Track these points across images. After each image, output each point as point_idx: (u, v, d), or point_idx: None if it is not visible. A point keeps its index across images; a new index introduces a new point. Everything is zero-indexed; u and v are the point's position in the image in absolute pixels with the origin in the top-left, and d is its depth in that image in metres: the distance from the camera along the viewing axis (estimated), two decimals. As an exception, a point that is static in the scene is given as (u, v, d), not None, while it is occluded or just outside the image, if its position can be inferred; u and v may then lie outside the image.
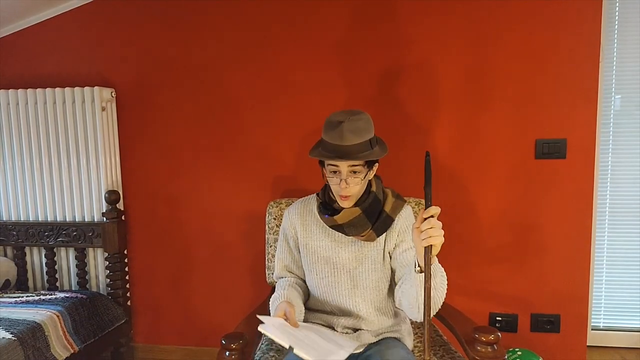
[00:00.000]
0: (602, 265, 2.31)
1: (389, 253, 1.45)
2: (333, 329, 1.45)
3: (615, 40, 2.17)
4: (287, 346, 1.13)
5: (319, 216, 1.47)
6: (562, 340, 2.14)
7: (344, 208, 1.38)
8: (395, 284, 1.43)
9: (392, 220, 1.43)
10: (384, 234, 1.44)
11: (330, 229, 1.45)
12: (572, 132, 2.03)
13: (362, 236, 1.41)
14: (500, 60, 2.03)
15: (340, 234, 1.44)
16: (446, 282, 1.25)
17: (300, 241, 1.50)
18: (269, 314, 1.42)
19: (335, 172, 1.34)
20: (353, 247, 1.45)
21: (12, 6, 2.15)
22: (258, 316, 1.27)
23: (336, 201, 1.40)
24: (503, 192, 2.10)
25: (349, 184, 1.32)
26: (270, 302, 1.45)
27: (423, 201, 1.84)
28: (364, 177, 1.35)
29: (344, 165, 1.32)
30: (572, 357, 2.14)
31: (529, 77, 2.03)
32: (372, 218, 1.40)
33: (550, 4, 1.98)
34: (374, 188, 1.42)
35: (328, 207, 1.43)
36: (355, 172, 1.33)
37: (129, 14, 2.25)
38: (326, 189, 1.46)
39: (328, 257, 1.46)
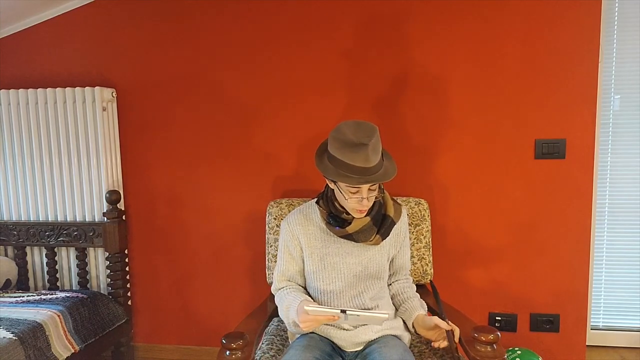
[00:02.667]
0: (602, 265, 2.31)
1: (393, 256, 1.56)
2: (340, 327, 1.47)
3: (615, 40, 2.17)
4: (339, 311, 1.23)
5: (325, 226, 1.48)
6: (561, 339, 2.14)
7: (353, 219, 1.41)
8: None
9: (395, 223, 1.49)
10: (391, 239, 1.51)
11: (336, 236, 1.48)
12: (572, 132, 2.03)
13: (371, 241, 1.44)
14: (500, 60, 2.04)
15: (346, 240, 1.47)
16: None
17: (305, 251, 1.51)
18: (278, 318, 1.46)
19: (354, 192, 1.34)
20: (359, 252, 1.48)
21: (12, 6, 2.15)
22: (306, 307, 1.27)
23: (344, 212, 1.42)
24: (503, 192, 2.10)
25: (369, 200, 1.36)
26: (284, 308, 1.44)
27: (422, 200, 1.86)
28: (377, 188, 1.39)
29: (365, 186, 1.33)
30: (572, 356, 2.15)
31: (529, 77, 2.03)
32: (378, 223, 1.45)
33: (550, 4, 1.98)
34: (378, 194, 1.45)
35: (338, 219, 1.44)
36: (372, 189, 1.36)
37: (129, 14, 2.25)
38: (329, 199, 1.46)
39: (335, 263, 1.48)
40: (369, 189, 1.34)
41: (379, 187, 1.43)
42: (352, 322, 1.35)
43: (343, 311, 1.22)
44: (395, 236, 1.52)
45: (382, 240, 1.46)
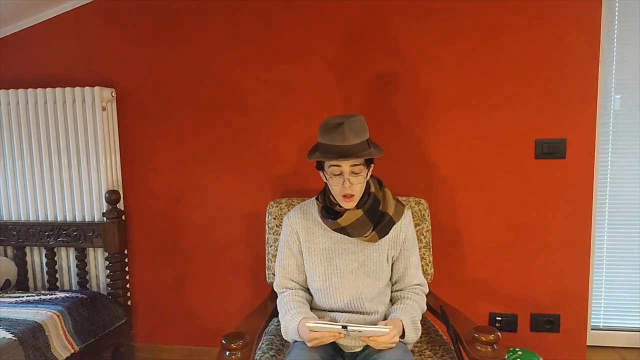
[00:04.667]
0: (602, 265, 2.31)
1: (393, 257, 1.52)
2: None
3: (615, 40, 2.17)
4: (340, 327, 1.27)
5: (321, 220, 1.48)
6: (562, 340, 2.14)
7: (346, 211, 1.41)
8: (391, 282, 1.55)
9: (394, 223, 1.47)
10: (389, 238, 1.49)
11: (333, 232, 1.48)
12: (572, 132, 2.03)
13: (365, 237, 1.44)
14: (500, 60, 2.04)
15: (343, 236, 1.47)
16: (419, 325, 1.45)
17: (303, 245, 1.52)
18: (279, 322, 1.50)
19: (337, 173, 1.36)
20: (356, 249, 1.48)
21: (12, 6, 2.15)
22: (307, 324, 1.31)
23: (338, 204, 1.43)
24: (503, 192, 2.10)
25: (352, 183, 1.36)
26: (283, 324, 1.45)
27: (422, 200, 1.86)
28: (365, 177, 1.40)
29: (346, 165, 1.35)
30: (572, 357, 2.14)
31: (529, 77, 2.03)
32: (374, 219, 1.44)
33: (550, 4, 1.98)
34: (372, 189, 1.46)
35: (330, 211, 1.45)
36: (356, 173, 1.36)
37: (129, 14, 2.25)
38: (326, 193, 1.48)
39: (331, 259, 1.49)
40: (352, 172, 1.36)
41: (373, 186, 1.44)
42: (354, 337, 1.37)
43: (344, 327, 1.25)
44: (394, 236, 1.50)
45: (379, 238, 1.45)
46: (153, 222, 2.35)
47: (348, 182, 1.35)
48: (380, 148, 1.43)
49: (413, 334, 1.42)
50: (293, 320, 1.41)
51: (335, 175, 1.37)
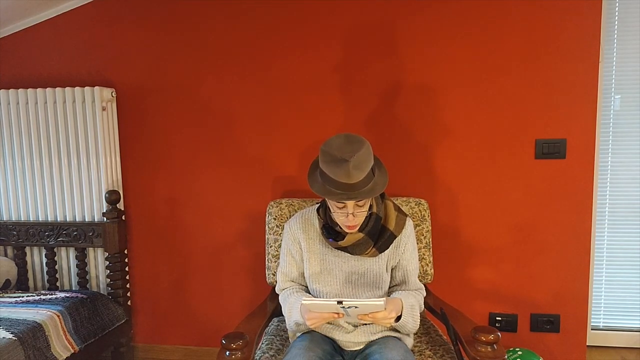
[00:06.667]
0: (602, 265, 2.31)
1: (392, 266, 1.52)
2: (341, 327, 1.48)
3: (615, 40, 2.17)
4: (335, 302, 1.24)
5: (321, 234, 1.48)
6: (562, 340, 2.14)
7: (347, 233, 1.40)
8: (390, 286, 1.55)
9: (395, 237, 1.46)
10: (389, 250, 1.48)
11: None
12: (572, 132, 2.03)
13: (366, 254, 1.44)
14: (500, 60, 2.04)
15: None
16: (418, 315, 1.45)
17: (304, 254, 1.52)
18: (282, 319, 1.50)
19: (341, 207, 1.34)
20: (356, 261, 1.48)
21: (12, 6, 2.15)
22: (303, 301, 1.29)
23: (338, 225, 1.42)
24: (503, 192, 2.10)
25: (355, 216, 1.34)
26: (287, 309, 1.47)
27: (422, 200, 1.86)
28: (368, 205, 1.37)
29: (351, 201, 1.32)
30: (572, 357, 2.14)
31: (529, 77, 2.03)
32: (375, 236, 1.44)
33: (550, 4, 1.98)
34: (374, 209, 1.44)
35: (331, 231, 1.44)
36: (360, 205, 1.34)
37: (129, 14, 2.25)
38: (327, 210, 1.46)
39: (331, 269, 1.49)
40: (356, 205, 1.33)
41: (375, 204, 1.43)
42: (352, 315, 1.32)
43: (339, 302, 1.23)
44: (394, 247, 1.49)
45: (380, 253, 1.45)
46: (153, 222, 2.35)
47: (352, 216, 1.33)
48: (384, 170, 1.41)
49: (410, 320, 1.40)
50: (297, 302, 1.42)
51: (338, 207, 1.34)
